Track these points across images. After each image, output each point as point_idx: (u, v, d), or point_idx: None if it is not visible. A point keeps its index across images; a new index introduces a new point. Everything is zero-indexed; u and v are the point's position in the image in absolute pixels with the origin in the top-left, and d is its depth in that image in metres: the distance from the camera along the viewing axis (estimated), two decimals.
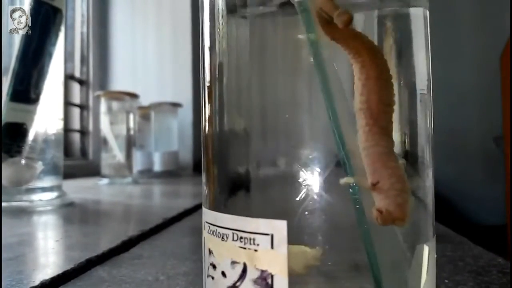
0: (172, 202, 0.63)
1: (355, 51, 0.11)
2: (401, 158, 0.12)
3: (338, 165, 0.12)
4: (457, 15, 1.57)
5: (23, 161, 0.47)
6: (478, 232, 0.77)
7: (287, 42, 0.13)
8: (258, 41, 0.14)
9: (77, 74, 1.20)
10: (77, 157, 1.15)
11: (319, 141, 0.12)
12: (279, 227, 0.12)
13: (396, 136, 0.12)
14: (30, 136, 0.48)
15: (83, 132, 1.18)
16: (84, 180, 0.92)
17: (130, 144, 0.91)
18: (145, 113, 1.10)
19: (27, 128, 0.47)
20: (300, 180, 0.12)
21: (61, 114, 0.55)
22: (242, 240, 0.12)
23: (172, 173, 1.07)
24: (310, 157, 0.12)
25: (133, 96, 0.93)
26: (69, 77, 1.15)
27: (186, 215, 0.45)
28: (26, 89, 0.47)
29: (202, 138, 0.15)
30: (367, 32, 0.12)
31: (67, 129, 1.09)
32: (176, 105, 1.14)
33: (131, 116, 0.92)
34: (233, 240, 0.13)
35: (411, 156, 0.13)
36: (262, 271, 0.12)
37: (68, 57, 1.16)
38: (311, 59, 0.12)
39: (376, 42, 0.12)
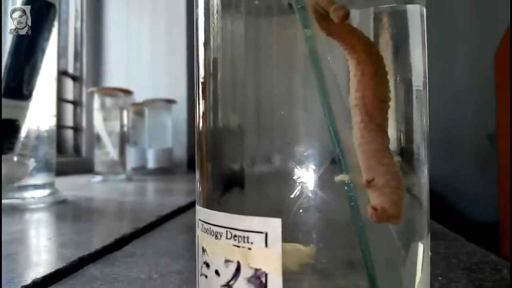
0: (166, 200, 0.63)
1: (351, 47, 0.11)
2: (397, 155, 0.12)
3: (333, 162, 0.12)
4: (452, 15, 1.58)
5: (15, 158, 0.47)
6: (471, 229, 0.78)
7: (282, 38, 0.13)
8: (253, 36, 0.13)
9: (70, 70, 1.19)
10: (70, 154, 1.14)
11: (314, 138, 0.12)
12: (273, 225, 0.12)
13: (391, 133, 0.12)
14: (23, 133, 0.47)
15: (76, 128, 1.17)
16: (77, 177, 0.92)
17: (123, 140, 0.90)
18: (139, 109, 1.10)
19: (20, 124, 0.47)
20: (295, 177, 0.12)
21: (54, 111, 0.55)
22: (236, 238, 0.12)
23: (166, 170, 1.07)
24: (305, 154, 0.12)
25: (127, 92, 0.93)
26: (62, 73, 1.14)
27: (180, 213, 0.45)
28: (18, 85, 0.46)
29: (196, 134, 0.15)
30: (363, 28, 0.12)
31: (60, 126, 1.09)
32: (170, 101, 1.14)
33: (125, 113, 0.92)
34: (226, 238, 0.12)
35: (406, 153, 0.13)
36: (256, 270, 0.12)
37: (62, 52, 1.15)
38: (307, 55, 0.12)
39: (372, 38, 0.12)
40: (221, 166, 0.14)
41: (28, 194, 0.49)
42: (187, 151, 1.21)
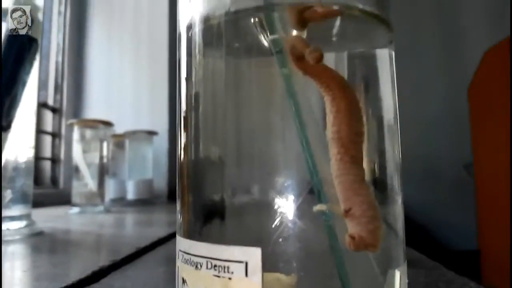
0: (145, 231, 0.62)
1: (326, 85, 0.12)
2: (371, 186, 0.13)
3: (312, 192, 0.12)
4: (425, 50, 1.65)
5: None
6: (451, 257, 0.79)
7: (261, 75, 0.14)
8: (233, 73, 0.14)
9: (50, 102, 1.18)
10: (47, 185, 1.12)
11: (293, 169, 0.13)
12: (254, 254, 0.12)
13: (366, 164, 0.12)
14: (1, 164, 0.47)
15: (54, 160, 1.15)
16: (54, 209, 0.90)
17: (103, 172, 0.89)
18: (119, 141, 1.09)
19: None
20: (275, 207, 0.12)
21: (32, 142, 0.54)
22: (216, 268, 0.12)
23: (146, 201, 1.06)
24: (284, 184, 0.12)
25: (108, 124, 0.92)
26: (42, 105, 1.13)
27: (159, 244, 0.44)
28: None
29: (177, 166, 0.15)
30: (338, 68, 0.12)
31: (38, 157, 1.07)
32: (151, 133, 1.14)
33: (105, 144, 0.91)
34: (207, 268, 0.13)
35: (380, 184, 0.14)
36: None
37: (42, 85, 1.14)
38: (285, 91, 0.12)
39: (346, 78, 0.13)
40: (202, 197, 0.14)
41: (4, 226, 0.47)
42: (168, 182, 1.20)
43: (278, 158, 0.13)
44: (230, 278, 0.12)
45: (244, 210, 0.13)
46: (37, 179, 1.08)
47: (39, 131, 1.09)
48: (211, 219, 0.14)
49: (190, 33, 0.15)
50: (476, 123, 1.17)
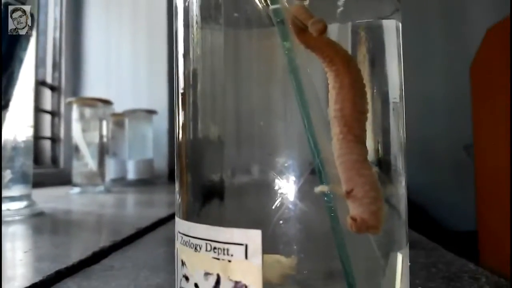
0: (146, 212, 0.62)
1: (329, 60, 0.11)
2: (375, 166, 0.13)
3: (313, 173, 0.12)
4: (426, 27, 1.62)
5: None
6: (450, 238, 0.79)
7: (261, 50, 0.13)
8: (232, 48, 0.14)
9: (48, 80, 1.17)
10: (47, 165, 1.12)
11: (294, 149, 0.12)
12: (253, 236, 0.12)
13: (369, 144, 0.12)
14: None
15: (54, 139, 1.15)
16: (55, 189, 0.90)
17: (103, 151, 0.89)
18: (119, 120, 1.08)
19: None
20: (275, 188, 0.12)
21: (31, 121, 0.54)
22: (215, 250, 0.12)
23: (146, 181, 1.06)
24: (285, 165, 0.12)
25: (107, 102, 0.91)
26: (40, 83, 1.12)
27: (160, 225, 0.44)
28: None
29: (175, 146, 0.15)
30: (342, 42, 0.12)
31: (37, 137, 1.07)
32: (151, 112, 1.13)
33: (104, 123, 0.90)
34: (206, 250, 0.12)
35: (384, 164, 0.13)
36: (236, 282, 0.12)
37: (40, 62, 1.13)
38: (286, 67, 0.12)
39: (350, 52, 0.12)
40: (201, 178, 0.14)
41: (4, 206, 0.47)
42: (168, 162, 1.20)
43: (279, 138, 0.12)
44: (229, 261, 0.12)
45: (244, 191, 0.13)
46: (37, 159, 1.08)
47: (38, 110, 1.08)
48: (210, 200, 0.14)
49: (187, 3, 0.14)
50: (477, 103, 1.16)
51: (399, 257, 0.13)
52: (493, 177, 1.05)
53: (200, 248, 0.12)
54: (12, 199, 0.49)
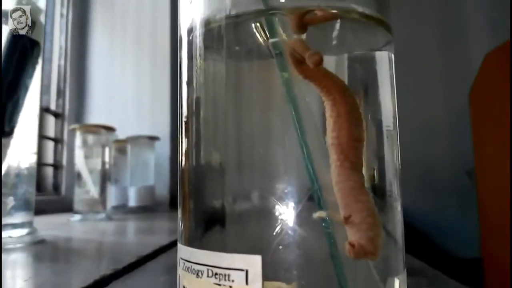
0: (147, 239, 0.61)
1: (326, 90, 0.12)
2: (370, 192, 0.13)
3: (311, 199, 0.12)
4: (426, 55, 1.65)
5: None
6: (453, 265, 0.78)
7: (261, 80, 0.14)
8: (234, 78, 0.14)
9: (52, 107, 1.19)
10: (49, 192, 1.12)
11: (293, 176, 0.13)
12: (254, 262, 0.12)
13: (364, 170, 0.12)
14: (2, 171, 0.47)
15: (56, 166, 1.15)
16: (56, 216, 0.90)
17: (104, 178, 0.89)
18: (121, 146, 1.09)
19: None
20: (275, 214, 0.12)
21: (35, 148, 0.54)
22: (217, 276, 0.12)
23: (147, 208, 1.05)
24: (285, 191, 0.12)
25: (110, 129, 0.92)
26: (44, 110, 1.13)
27: (161, 252, 0.44)
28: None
29: (178, 172, 0.15)
30: (338, 72, 0.12)
31: (40, 163, 1.07)
32: (153, 138, 1.14)
33: (107, 150, 0.91)
34: (208, 276, 0.12)
35: (379, 190, 0.13)
36: None
37: (44, 89, 1.15)
38: (285, 96, 0.12)
39: (346, 82, 0.13)
40: (203, 204, 0.14)
41: (5, 233, 0.47)
42: (170, 189, 1.20)
43: (278, 164, 0.13)
44: (230, 287, 0.12)
45: (245, 217, 0.13)
46: (39, 186, 1.08)
47: (41, 137, 1.09)
48: (212, 226, 0.14)
49: (191, 36, 0.15)
50: (477, 127, 1.16)
51: (397, 282, 0.13)
52: (496, 202, 1.04)
53: (202, 274, 0.13)
54: (14, 226, 0.49)
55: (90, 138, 0.89)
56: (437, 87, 1.63)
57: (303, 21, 0.12)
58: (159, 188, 1.15)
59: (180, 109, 0.15)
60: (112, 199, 0.97)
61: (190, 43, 0.15)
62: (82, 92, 1.28)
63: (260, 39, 0.13)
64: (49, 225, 0.71)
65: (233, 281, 0.12)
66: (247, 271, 0.12)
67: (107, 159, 0.90)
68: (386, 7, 0.14)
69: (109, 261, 0.43)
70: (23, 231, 0.50)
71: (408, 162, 0.14)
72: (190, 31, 0.15)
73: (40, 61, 0.50)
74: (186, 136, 0.15)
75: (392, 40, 0.14)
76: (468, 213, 1.38)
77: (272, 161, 0.13)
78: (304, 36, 0.12)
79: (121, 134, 1.05)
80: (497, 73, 1.03)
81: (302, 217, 0.12)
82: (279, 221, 0.12)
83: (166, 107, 1.25)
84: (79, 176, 0.88)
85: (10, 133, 0.47)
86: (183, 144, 0.15)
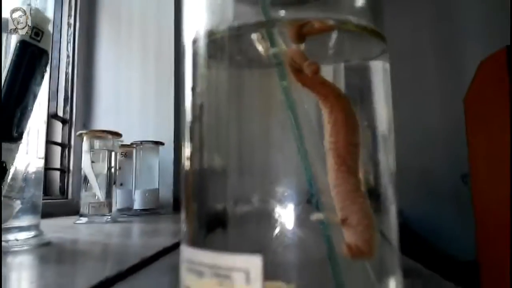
0: (151, 241, 0.62)
1: (323, 97, 0.12)
2: (366, 195, 0.13)
3: (310, 202, 0.12)
4: (422, 63, 1.65)
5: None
6: (450, 268, 0.78)
7: (262, 87, 0.14)
8: (236, 85, 0.15)
9: (60, 113, 1.20)
10: (56, 195, 1.13)
11: (292, 179, 0.13)
12: (255, 262, 0.12)
13: (361, 174, 0.13)
14: (10, 175, 0.47)
15: (63, 170, 1.16)
16: (63, 219, 0.90)
17: (110, 182, 0.90)
18: (127, 151, 1.10)
19: (7, 166, 0.47)
20: (275, 216, 0.13)
21: (42, 153, 0.55)
22: (218, 276, 0.13)
23: (152, 211, 1.06)
24: (284, 194, 0.13)
25: (116, 134, 0.93)
26: (52, 116, 1.14)
27: (165, 254, 0.44)
28: (8, 128, 0.47)
29: (182, 175, 0.16)
30: (334, 81, 0.13)
31: (47, 168, 1.08)
32: (158, 143, 1.14)
33: (113, 155, 0.92)
34: (209, 276, 0.13)
35: (375, 193, 0.14)
36: None
37: (52, 96, 1.16)
38: (284, 103, 0.13)
39: (343, 90, 0.13)
40: (206, 206, 0.15)
41: (12, 236, 0.48)
42: (173, 192, 1.21)
43: (278, 168, 0.13)
44: (232, 287, 0.12)
45: (246, 219, 0.14)
46: (46, 190, 1.09)
47: (49, 142, 1.10)
48: (214, 228, 0.14)
49: (195, 46, 0.15)
50: (472, 133, 1.17)
51: (393, 282, 0.13)
52: (491, 206, 1.04)
53: (204, 275, 0.13)
54: (21, 229, 0.49)
55: (97, 143, 0.90)
56: (433, 94, 1.63)
57: (302, 32, 0.12)
58: (163, 191, 1.16)
59: (184, 115, 0.16)
60: (117, 202, 0.97)
61: (194, 53, 0.15)
62: (89, 99, 1.29)
63: (261, 49, 0.13)
64: (56, 228, 0.72)
65: (234, 281, 0.12)
66: (248, 271, 0.12)
67: (113, 163, 0.91)
68: (380, 19, 0.15)
69: (113, 262, 0.43)
70: (30, 233, 0.50)
71: (403, 166, 0.15)
72: (194, 41, 0.15)
73: (48, 69, 0.51)
74: (190, 141, 0.15)
75: (386, 49, 0.15)
76: (464, 216, 1.37)
77: (272, 165, 0.13)
78: (302, 46, 0.13)
79: (127, 139, 1.05)
80: (491, 80, 1.03)
81: (301, 219, 0.12)
82: (279, 223, 0.12)
83: (170, 113, 1.26)
84: (85, 180, 0.88)
85: (18, 138, 0.48)
86: (187, 149, 0.15)
